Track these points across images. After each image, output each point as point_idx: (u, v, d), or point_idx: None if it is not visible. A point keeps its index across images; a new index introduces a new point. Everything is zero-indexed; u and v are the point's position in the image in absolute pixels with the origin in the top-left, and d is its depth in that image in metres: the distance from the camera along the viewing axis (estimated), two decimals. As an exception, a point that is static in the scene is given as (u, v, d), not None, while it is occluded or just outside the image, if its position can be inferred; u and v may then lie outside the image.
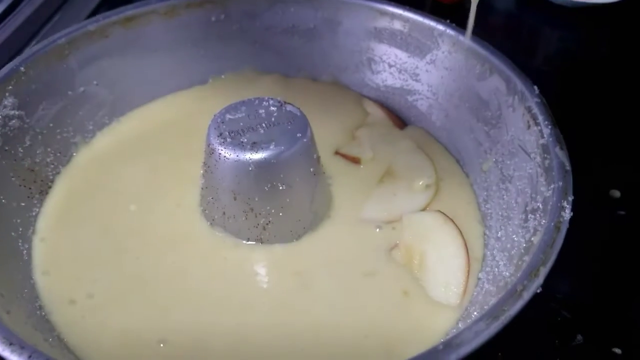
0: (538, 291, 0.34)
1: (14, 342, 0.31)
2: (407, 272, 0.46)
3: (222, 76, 0.62)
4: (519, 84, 0.48)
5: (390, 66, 0.59)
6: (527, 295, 0.33)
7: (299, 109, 0.46)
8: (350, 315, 0.43)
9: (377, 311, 0.43)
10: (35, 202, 0.49)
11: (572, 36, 0.76)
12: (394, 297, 0.44)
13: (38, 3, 0.70)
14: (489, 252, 0.46)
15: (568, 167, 0.41)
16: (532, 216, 0.41)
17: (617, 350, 0.43)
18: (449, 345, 0.31)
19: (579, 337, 0.44)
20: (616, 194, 0.54)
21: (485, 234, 0.48)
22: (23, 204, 0.48)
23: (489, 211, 0.49)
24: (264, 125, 0.44)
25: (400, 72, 0.59)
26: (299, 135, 0.44)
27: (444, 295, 0.44)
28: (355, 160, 0.55)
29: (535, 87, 0.47)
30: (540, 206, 0.40)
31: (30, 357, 0.31)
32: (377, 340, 0.42)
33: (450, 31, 0.54)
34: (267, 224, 0.46)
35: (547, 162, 0.42)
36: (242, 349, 0.41)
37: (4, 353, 0.31)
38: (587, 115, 0.61)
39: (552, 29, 0.78)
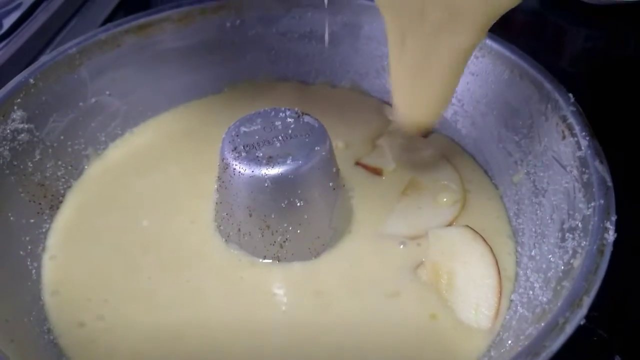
0: (581, 323, 0.31)
1: (14, 379, 0.30)
2: (434, 293, 0.43)
3: (238, 85, 0.60)
4: (552, 91, 0.45)
5: (413, 72, 0.56)
6: (569, 329, 0.30)
7: (317, 119, 0.44)
8: (374, 339, 0.41)
9: (402, 335, 0.41)
10: (46, 218, 0.48)
11: (599, 35, 0.73)
12: (420, 320, 0.41)
13: (52, 10, 0.69)
14: (521, 272, 0.43)
15: (609, 183, 0.38)
16: (570, 235, 0.38)
17: (659, 372, 0.40)
18: (485, 385, 0.28)
19: (617, 358, 0.42)
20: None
21: (517, 251, 0.45)
22: (32, 221, 0.46)
23: (521, 227, 0.46)
24: (280, 138, 0.42)
25: (423, 78, 0.56)
26: (317, 148, 0.42)
27: (475, 319, 0.41)
28: (377, 171, 0.52)
29: (570, 95, 0.44)
30: (580, 225, 0.37)
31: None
32: (403, 367, 0.39)
33: (476, 34, 0.51)
34: (285, 241, 0.44)
35: (585, 176, 0.39)
36: (259, 373, 0.39)
37: (4, 390, 0.29)
38: (619, 119, 0.58)
39: (578, 27, 0.74)
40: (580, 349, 0.42)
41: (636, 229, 0.47)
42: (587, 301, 0.32)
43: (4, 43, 0.62)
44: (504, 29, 0.51)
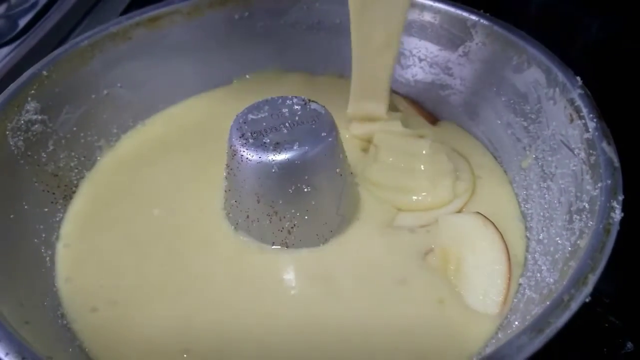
0: (587, 300, 0.31)
1: (26, 356, 0.30)
2: (443, 279, 0.43)
3: (247, 76, 0.61)
4: (559, 75, 0.45)
5: (420, 60, 0.57)
6: (574, 306, 0.30)
7: (323, 106, 0.44)
8: (382, 324, 0.41)
9: (410, 321, 0.41)
10: (59, 207, 0.49)
11: (613, 24, 0.72)
12: (429, 306, 0.41)
13: (66, 9, 0.70)
14: (530, 256, 0.43)
15: (617, 164, 0.38)
16: (578, 217, 0.38)
17: (672, 359, 0.40)
18: (488, 361, 0.28)
19: (630, 344, 0.41)
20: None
21: (526, 236, 0.45)
22: (46, 210, 0.47)
23: (529, 211, 0.46)
24: (287, 124, 0.43)
25: (431, 66, 0.56)
26: (323, 134, 0.42)
27: (483, 304, 0.41)
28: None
29: (578, 78, 0.44)
30: (587, 206, 0.37)
31: (43, 371, 0.30)
32: (410, 352, 0.39)
33: (484, 21, 0.51)
34: (292, 227, 0.44)
35: (592, 158, 0.39)
36: (267, 358, 0.40)
37: (17, 368, 0.30)
38: (633, 108, 0.57)
39: (592, 17, 0.73)
40: (592, 335, 0.42)
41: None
42: (593, 279, 0.31)
43: (19, 42, 0.63)
44: (514, 20, 0.51)
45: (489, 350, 0.36)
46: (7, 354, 0.31)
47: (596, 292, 0.32)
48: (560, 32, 0.72)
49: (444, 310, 0.41)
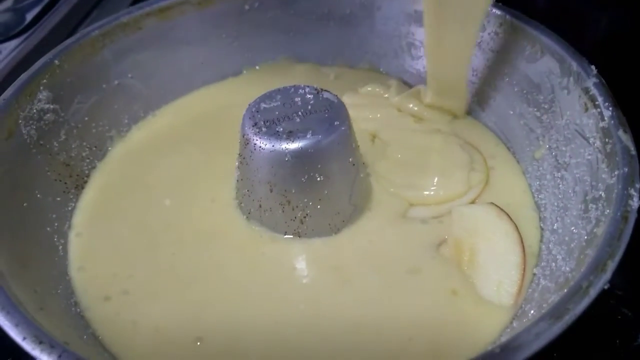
0: (605, 287, 0.31)
1: (44, 340, 0.30)
2: (456, 269, 0.43)
3: (257, 67, 0.61)
4: (574, 64, 0.44)
5: (432, 51, 0.56)
6: (593, 293, 0.30)
7: (336, 96, 0.44)
8: (394, 315, 0.41)
9: (422, 311, 0.41)
10: (71, 196, 0.49)
11: (624, 18, 0.71)
12: (441, 296, 0.41)
13: (73, 3, 0.70)
14: (544, 246, 0.43)
15: (633, 152, 0.37)
16: (594, 206, 0.37)
17: (684, 353, 0.40)
18: (506, 348, 0.28)
19: (642, 337, 0.41)
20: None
21: (540, 226, 0.44)
22: (59, 199, 0.47)
23: (543, 201, 0.45)
24: (300, 113, 0.42)
25: (443, 56, 0.56)
26: (336, 123, 0.42)
27: (497, 295, 0.40)
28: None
29: (593, 67, 0.43)
30: (603, 195, 0.37)
31: (60, 356, 0.30)
32: (422, 343, 0.39)
33: (496, 11, 0.50)
34: (305, 217, 0.44)
35: (608, 146, 0.38)
36: (280, 346, 0.40)
37: (34, 352, 0.30)
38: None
39: (601, 11, 0.72)
40: (604, 327, 0.41)
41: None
42: (612, 266, 0.31)
43: (26, 35, 0.63)
44: (522, 12, 0.50)
45: (504, 339, 0.36)
46: (24, 339, 0.31)
47: (608, 284, 0.32)
48: (569, 26, 0.71)
49: (457, 301, 0.41)
